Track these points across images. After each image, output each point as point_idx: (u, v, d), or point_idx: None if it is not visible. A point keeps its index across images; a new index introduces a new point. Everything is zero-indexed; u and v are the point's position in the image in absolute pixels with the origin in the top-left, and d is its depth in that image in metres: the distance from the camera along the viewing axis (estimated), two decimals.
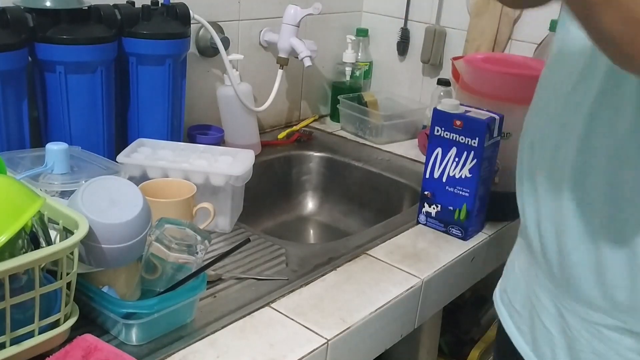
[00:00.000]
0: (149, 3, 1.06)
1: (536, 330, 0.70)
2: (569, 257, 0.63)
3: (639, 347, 0.61)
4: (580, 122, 0.61)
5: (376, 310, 0.83)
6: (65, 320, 0.68)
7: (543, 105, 0.67)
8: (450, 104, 1.00)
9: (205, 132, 1.25)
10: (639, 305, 0.59)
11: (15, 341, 0.63)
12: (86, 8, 0.97)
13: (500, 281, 0.80)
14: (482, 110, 0.99)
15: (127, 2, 1.07)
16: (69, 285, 0.67)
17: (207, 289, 0.79)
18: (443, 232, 1.04)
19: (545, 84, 0.69)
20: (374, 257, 0.96)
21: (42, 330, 0.65)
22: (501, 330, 0.77)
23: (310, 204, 1.39)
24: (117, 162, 0.95)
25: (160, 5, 1.08)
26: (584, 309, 0.64)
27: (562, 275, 0.65)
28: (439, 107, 1.01)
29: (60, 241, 0.68)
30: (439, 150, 1.01)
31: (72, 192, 0.76)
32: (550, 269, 0.66)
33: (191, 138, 1.22)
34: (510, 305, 0.76)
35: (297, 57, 1.31)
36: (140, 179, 0.94)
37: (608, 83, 0.58)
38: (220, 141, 1.24)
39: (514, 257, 0.77)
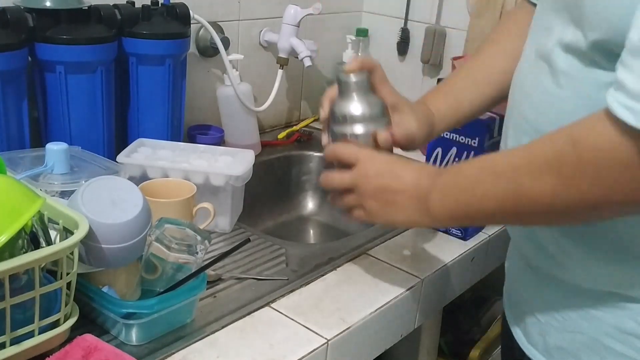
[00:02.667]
0: (149, 3, 1.06)
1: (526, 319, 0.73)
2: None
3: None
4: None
5: (376, 310, 0.83)
6: (65, 320, 0.68)
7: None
8: None
9: (205, 132, 1.25)
10: None
11: (15, 341, 0.63)
12: (86, 8, 0.97)
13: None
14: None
15: (127, 2, 1.07)
16: (69, 285, 0.67)
17: (207, 289, 0.79)
18: (443, 232, 1.04)
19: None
20: (374, 257, 0.96)
21: (42, 330, 0.65)
22: (504, 326, 0.78)
23: (310, 204, 1.39)
24: (117, 162, 0.95)
25: (160, 5, 1.08)
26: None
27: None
28: None
29: (60, 241, 0.68)
30: (439, 150, 1.01)
31: (72, 192, 0.75)
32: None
33: (191, 138, 1.22)
34: (508, 302, 0.76)
35: (297, 57, 1.31)
36: (140, 179, 0.94)
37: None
38: (220, 141, 1.24)
39: (509, 256, 0.79)
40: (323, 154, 0.76)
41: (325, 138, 0.83)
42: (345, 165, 0.74)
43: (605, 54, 0.57)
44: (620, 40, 0.52)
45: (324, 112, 0.82)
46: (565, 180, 0.55)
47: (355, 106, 0.76)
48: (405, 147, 0.81)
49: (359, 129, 0.76)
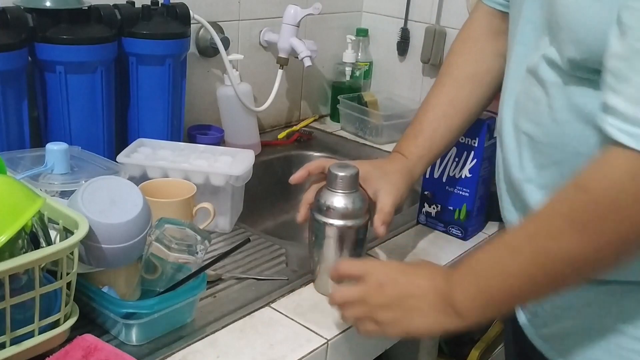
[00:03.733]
0: (149, 3, 1.06)
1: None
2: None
3: None
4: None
5: None
6: (65, 320, 0.68)
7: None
8: None
9: (205, 132, 1.25)
10: None
11: (15, 341, 0.63)
12: (86, 8, 0.97)
13: None
14: None
15: (127, 2, 1.07)
16: (69, 285, 0.67)
17: (207, 289, 0.79)
18: (443, 232, 1.04)
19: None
20: (374, 257, 0.96)
21: (42, 330, 0.65)
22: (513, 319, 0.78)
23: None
24: (117, 162, 0.94)
25: (160, 5, 1.08)
26: None
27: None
28: None
29: (60, 241, 0.68)
30: None
31: (72, 192, 0.75)
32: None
33: (191, 138, 1.21)
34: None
35: (297, 57, 1.31)
36: (140, 179, 0.94)
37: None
38: (220, 141, 1.24)
39: None
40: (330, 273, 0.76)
41: (300, 215, 0.86)
42: (351, 279, 0.72)
43: (585, 70, 0.57)
44: (597, 60, 0.53)
45: (308, 196, 0.86)
46: (589, 230, 0.53)
47: (340, 200, 0.81)
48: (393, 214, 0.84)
49: (340, 222, 0.81)
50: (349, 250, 0.83)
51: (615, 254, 0.55)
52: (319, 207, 0.83)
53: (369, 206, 0.85)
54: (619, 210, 0.51)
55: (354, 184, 0.83)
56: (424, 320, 0.66)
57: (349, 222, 0.82)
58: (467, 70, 0.88)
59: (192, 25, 1.12)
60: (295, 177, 0.87)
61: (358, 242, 0.84)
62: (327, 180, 0.83)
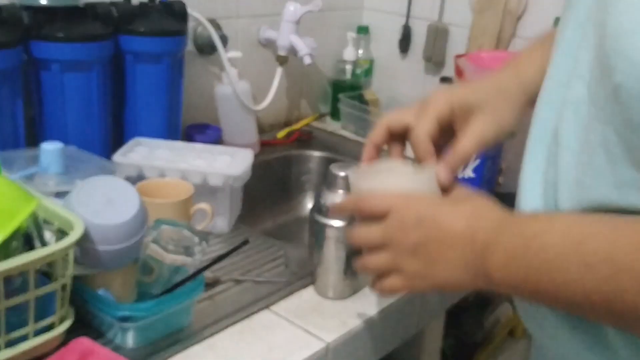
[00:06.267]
0: (146, 0, 1.06)
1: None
2: None
3: None
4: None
5: (377, 313, 0.82)
6: (60, 323, 0.67)
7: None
8: None
9: (203, 131, 1.25)
10: None
11: (9, 344, 0.62)
12: (82, 5, 0.97)
13: None
14: None
15: None
16: (64, 287, 0.66)
17: (205, 291, 0.79)
18: None
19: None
20: None
21: (36, 333, 0.65)
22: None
23: (310, 205, 1.39)
24: (113, 161, 0.94)
25: (157, 2, 1.07)
26: None
27: None
28: None
29: (55, 242, 0.68)
30: None
31: (68, 192, 0.75)
32: None
33: (189, 137, 1.21)
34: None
35: (297, 55, 1.30)
36: (136, 179, 0.93)
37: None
38: (218, 140, 1.24)
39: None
40: (337, 205, 0.66)
41: (366, 155, 0.71)
42: (374, 218, 0.60)
43: None
44: None
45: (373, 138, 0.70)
46: None
47: (340, 200, 0.79)
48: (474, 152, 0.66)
49: (340, 223, 0.79)
50: (350, 252, 0.82)
51: None
52: (319, 208, 0.82)
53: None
54: None
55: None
56: (452, 273, 0.56)
57: (350, 223, 0.81)
58: None
59: (189, 22, 1.12)
60: (374, 137, 0.70)
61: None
62: (326, 180, 0.82)
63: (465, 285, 0.56)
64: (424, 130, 0.66)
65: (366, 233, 0.61)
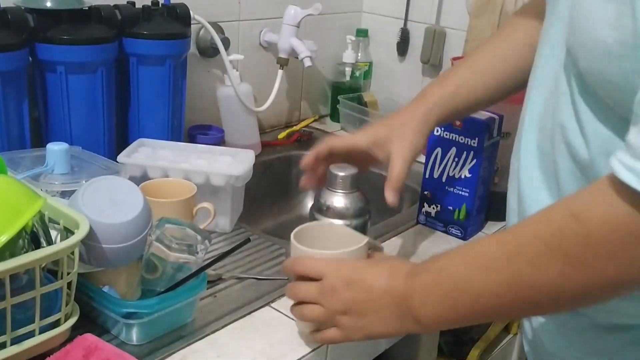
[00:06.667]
0: (150, 3, 1.06)
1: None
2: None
3: None
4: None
5: None
6: (65, 320, 0.68)
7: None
8: None
9: (205, 132, 1.25)
10: None
11: (15, 341, 0.63)
12: (86, 8, 0.98)
13: None
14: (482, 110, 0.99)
15: (127, 2, 1.07)
16: (69, 285, 0.67)
17: (208, 288, 0.79)
18: (443, 232, 1.05)
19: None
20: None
21: (42, 330, 0.65)
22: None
23: (310, 204, 1.39)
24: (117, 162, 0.94)
25: (160, 5, 1.08)
26: None
27: None
28: None
29: (60, 241, 0.68)
30: (438, 150, 1.01)
31: (73, 192, 0.75)
32: None
33: (191, 138, 1.22)
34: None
35: (297, 58, 1.31)
36: (140, 178, 0.94)
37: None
38: (220, 141, 1.24)
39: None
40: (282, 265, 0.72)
41: (304, 180, 0.85)
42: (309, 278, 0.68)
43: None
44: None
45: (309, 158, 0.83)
46: (573, 262, 0.49)
47: (340, 200, 0.82)
48: (407, 173, 0.80)
49: (339, 222, 0.82)
50: None
51: (598, 293, 0.51)
52: (319, 207, 0.83)
53: (369, 206, 0.85)
54: (610, 249, 0.47)
55: (354, 184, 0.83)
56: (381, 325, 0.63)
57: (349, 222, 0.82)
58: (528, 38, 0.76)
59: (192, 25, 1.12)
60: (304, 162, 0.83)
61: None
62: (327, 180, 0.83)
63: (396, 333, 0.64)
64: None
65: (304, 290, 0.68)
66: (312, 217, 0.85)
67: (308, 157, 0.83)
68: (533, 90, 0.65)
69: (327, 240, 0.74)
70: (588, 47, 0.50)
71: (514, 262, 0.53)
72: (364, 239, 0.71)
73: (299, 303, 0.69)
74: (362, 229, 0.84)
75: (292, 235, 0.72)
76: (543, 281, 0.51)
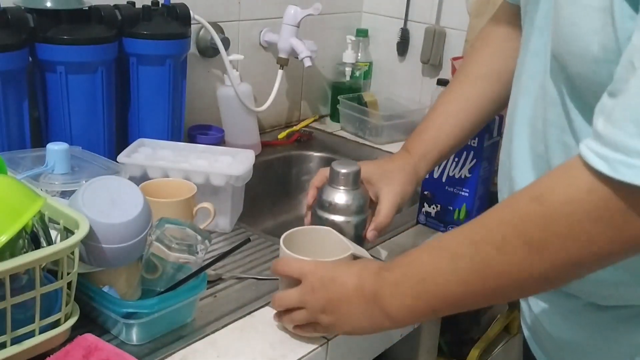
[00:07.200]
0: (150, 3, 1.07)
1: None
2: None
3: None
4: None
5: None
6: (65, 320, 0.68)
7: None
8: None
9: (205, 132, 1.25)
10: None
11: (15, 341, 0.63)
12: (87, 8, 0.98)
13: None
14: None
15: (127, 2, 1.07)
16: (69, 285, 0.67)
17: (208, 288, 0.79)
18: (443, 232, 1.05)
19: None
20: (374, 256, 0.96)
21: (42, 330, 0.65)
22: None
23: None
24: (117, 162, 0.95)
25: (160, 5, 1.08)
26: None
27: None
28: None
29: (61, 241, 0.69)
30: None
31: (73, 192, 0.76)
32: None
33: (191, 138, 1.22)
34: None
35: (297, 58, 1.31)
36: (140, 179, 0.94)
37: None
38: (220, 141, 1.24)
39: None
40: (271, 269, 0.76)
41: (306, 220, 0.88)
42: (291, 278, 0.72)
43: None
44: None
45: (309, 197, 0.87)
46: (537, 246, 0.50)
47: (341, 197, 0.83)
48: (393, 216, 0.85)
49: (340, 218, 0.83)
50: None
51: (563, 274, 0.52)
52: (321, 204, 0.84)
53: (370, 203, 0.85)
54: (571, 229, 0.48)
55: (356, 181, 0.83)
56: (353, 321, 0.66)
57: (351, 219, 0.83)
58: (483, 68, 0.85)
59: (192, 25, 1.12)
60: (309, 199, 0.88)
61: (360, 238, 0.84)
62: (329, 177, 0.84)
63: (371, 329, 0.66)
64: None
65: (287, 297, 0.72)
66: (314, 214, 0.85)
67: (310, 194, 0.88)
68: (520, 95, 0.67)
69: (316, 245, 0.77)
70: (577, 54, 0.53)
71: (481, 249, 0.54)
72: (348, 250, 0.74)
73: (286, 311, 0.73)
74: (362, 226, 0.84)
75: (281, 238, 0.75)
76: (508, 266, 0.52)
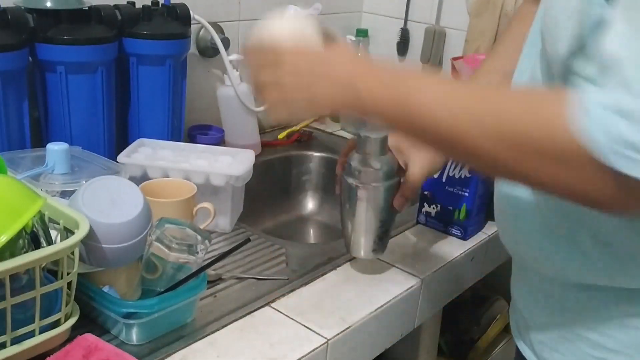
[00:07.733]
0: (150, 3, 1.07)
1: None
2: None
3: None
4: None
5: (376, 309, 0.83)
6: (65, 320, 0.68)
7: None
8: None
9: (205, 132, 1.25)
10: None
11: (15, 341, 0.63)
12: (87, 8, 0.98)
13: None
14: None
15: (127, 2, 1.07)
16: (69, 285, 0.67)
17: (208, 288, 0.79)
18: (443, 231, 1.05)
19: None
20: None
21: (42, 330, 0.65)
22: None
23: (310, 204, 1.40)
24: (117, 162, 0.95)
25: (160, 5, 1.08)
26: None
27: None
28: None
29: (61, 241, 0.69)
30: None
31: (73, 192, 0.76)
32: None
33: (191, 138, 1.22)
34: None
35: None
36: (140, 179, 0.94)
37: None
38: (220, 141, 1.25)
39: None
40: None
41: (337, 188, 0.86)
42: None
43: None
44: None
45: (338, 166, 0.85)
46: (507, 143, 0.53)
47: (369, 162, 0.82)
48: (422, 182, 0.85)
49: (369, 184, 0.82)
50: (382, 212, 0.83)
51: (517, 167, 0.54)
52: (350, 171, 0.83)
53: (400, 172, 0.84)
54: (540, 155, 0.51)
55: (383, 147, 0.82)
56: (328, 89, 0.63)
57: (379, 184, 0.82)
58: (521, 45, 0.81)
59: (192, 25, 1.12)
60: (338, 167, 0.86)
61: (388, 204, 0.84)
62: (357, 144, 0.83)
63: (336, 102, 0.64)
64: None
65: (263, 51, 0.70)
66: (344, 181, 0.84)
67: (339, 162, 0.86)
68: (514, 79, 0.70)
69: None
70: (553, 56, 0.57)
71: (469, 100, 0.56)
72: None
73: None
74: (391, 192, 0.84)
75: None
76: (480, 140, 0.54)
